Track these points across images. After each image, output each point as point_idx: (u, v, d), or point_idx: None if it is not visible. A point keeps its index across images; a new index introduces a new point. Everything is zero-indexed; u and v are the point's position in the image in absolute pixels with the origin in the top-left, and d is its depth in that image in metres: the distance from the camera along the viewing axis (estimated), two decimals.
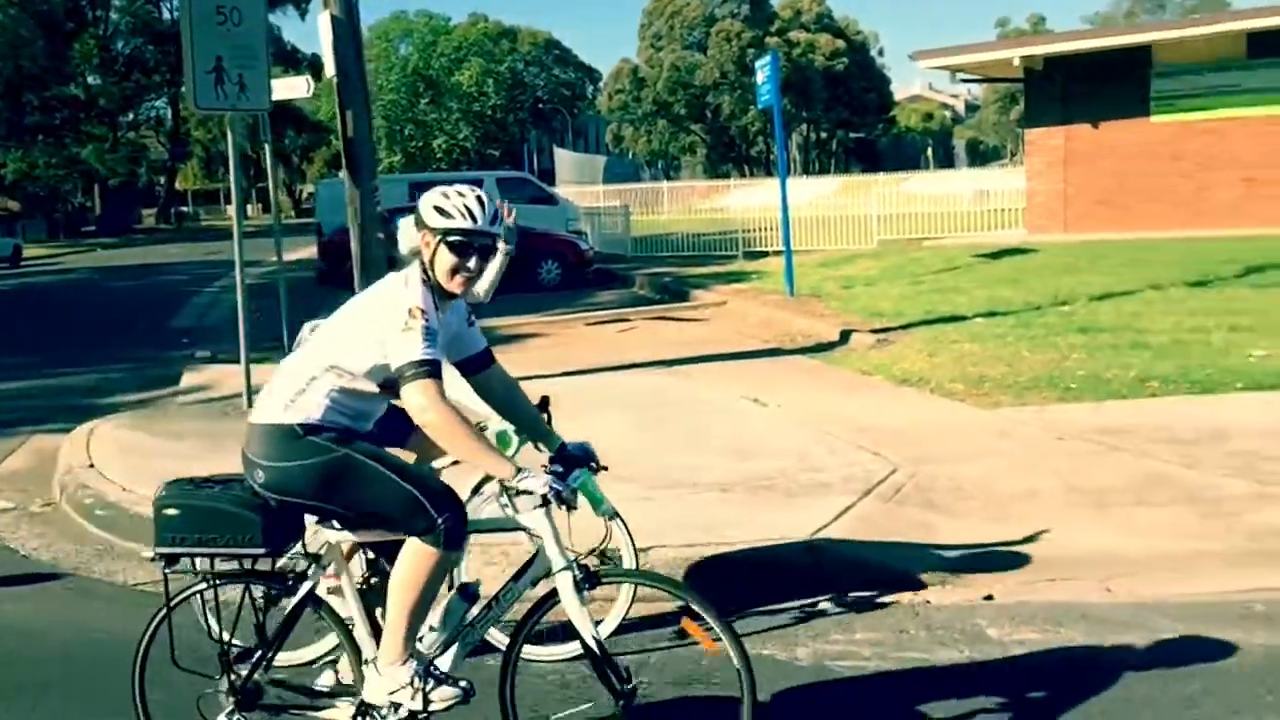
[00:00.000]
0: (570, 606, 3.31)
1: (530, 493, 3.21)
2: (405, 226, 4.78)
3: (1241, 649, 4.36)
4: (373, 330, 3.27)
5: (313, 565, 3.47)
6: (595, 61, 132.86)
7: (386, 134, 50.30)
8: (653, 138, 77.60)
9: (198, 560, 3.40)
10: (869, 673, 4.33)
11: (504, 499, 3.55)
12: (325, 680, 3.61)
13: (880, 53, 79.39)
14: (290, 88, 13.02)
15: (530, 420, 3.72)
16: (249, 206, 65.45)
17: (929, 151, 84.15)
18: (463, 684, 3.35)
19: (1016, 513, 5.95)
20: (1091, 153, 20.18)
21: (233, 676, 3.43)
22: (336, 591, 3.52)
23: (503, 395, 3.68)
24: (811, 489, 6.30)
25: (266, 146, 11.59)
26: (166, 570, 3.40)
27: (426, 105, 51.41)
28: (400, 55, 52.56)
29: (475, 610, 3.48)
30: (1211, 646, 4.40)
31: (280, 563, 3.59)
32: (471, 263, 3.32)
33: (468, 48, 53.81)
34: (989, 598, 5.05)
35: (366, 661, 3.39)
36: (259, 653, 3.44)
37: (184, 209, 68.76)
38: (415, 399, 3.15)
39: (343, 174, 9.80)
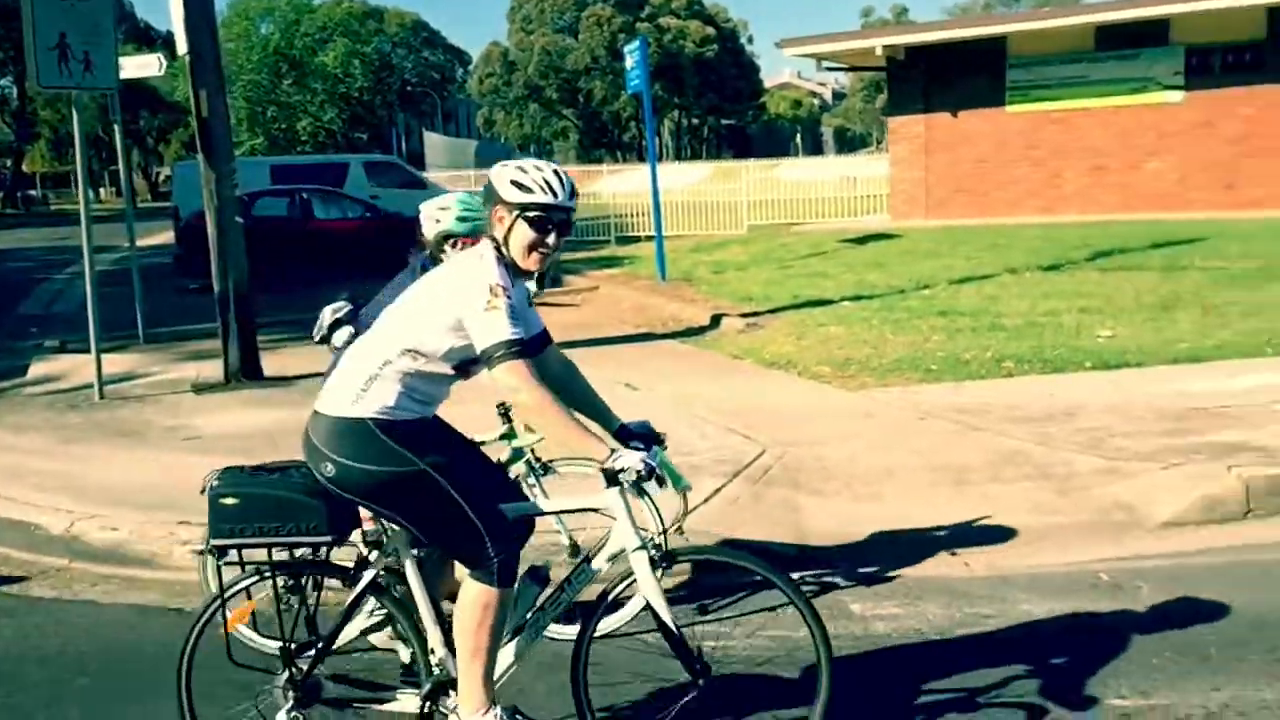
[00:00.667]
0: (646, 586, 3.25)
1: (625, 470, 3.10)
2: (429, 210, 4.64)
3: (1090, 617, 4.54)
4: (451, 310, 3.15)
5: (374, 552, 3.37)
6: (465, 44, 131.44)
7: (248, 115, 48.74)
8: (524, 122, 77.15)
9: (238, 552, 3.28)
10: (736, 655, 4.37)
11: (530, 479, 3.35)
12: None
13: (750, 40, 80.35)
14: (141, 66, 12.53)
15: (588, 400, 3.56)
16: (102, 190, 62.81)
17: (798, 138, 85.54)
18: None
19: (880, 491, 6.09)
20: (951, 141, 20.79)
21: (294, 671, 3.32)
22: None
23: (561, 375, 3.53)
24: (682, 472, 6.32)
25: (117, 127, 11.12)
26: (220, 563, 3.29)
27: (290, 86, 49.99)
28: (261, 34, 50.96)
29: (546, 594, 3.40)
30: (1063, 616, 4.58)
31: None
32: (550, 239, 3.21)
33: (332, 27, 52.50)
34: (853, 574, 5.16)
35: (431, 650, 3.31)
36: (318, 646, 3.34)
37: (32, 192, 65.61)
38: (507, 379, 3.06)
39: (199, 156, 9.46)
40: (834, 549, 5.43)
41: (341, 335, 4.52)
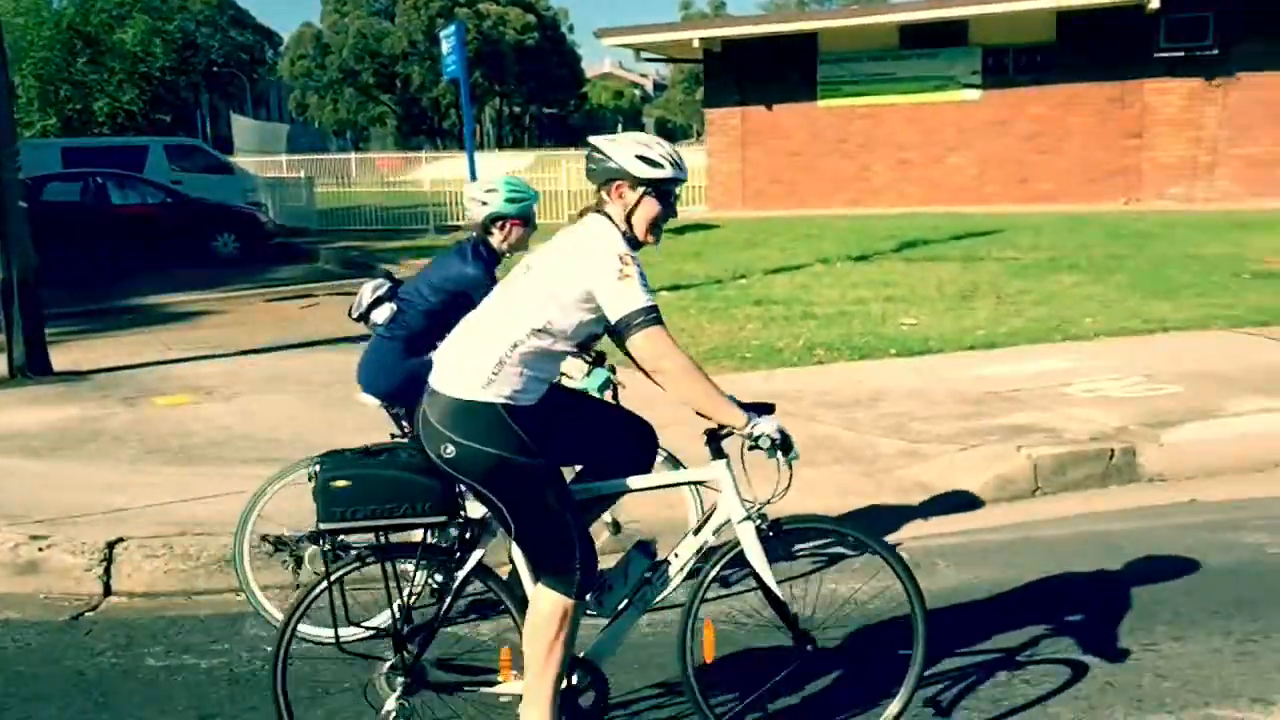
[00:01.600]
0: (753, 556, 3.25)
1: (764, 435, 3.10)
2: (474, 193, 4.59)
3: (896, 592, 4.70)
4: (580, 283, 3.09)
5: (482, 533, 3.30)
6: (275, 25, 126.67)
7: (39, 95, 45.81)
8: (340, 107, 75.01)
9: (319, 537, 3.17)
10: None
11: None
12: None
13: (571, 30, 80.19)
14: None
15: None
16: None
17: (620, 128, 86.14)
18: None
19: None
20: (766, 133, 21.28)
21: (404, 656, 3.22)
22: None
23: None
24: None
25: None
26: (326, 549, 3.18)
27: (85, 65, 47.15)
28: (53, 9, 47.97)
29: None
30: (867, 596, 4.72)
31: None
32: (669, 212, 3.22)
33: (131, 3, 49.83)
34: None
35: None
36: (426, 630, 3.25)
37: None
38: (650, 346, 3.05)
39: None
40: (629, 541, 5.45)
41: (383, 313, 4.50)
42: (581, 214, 3.27)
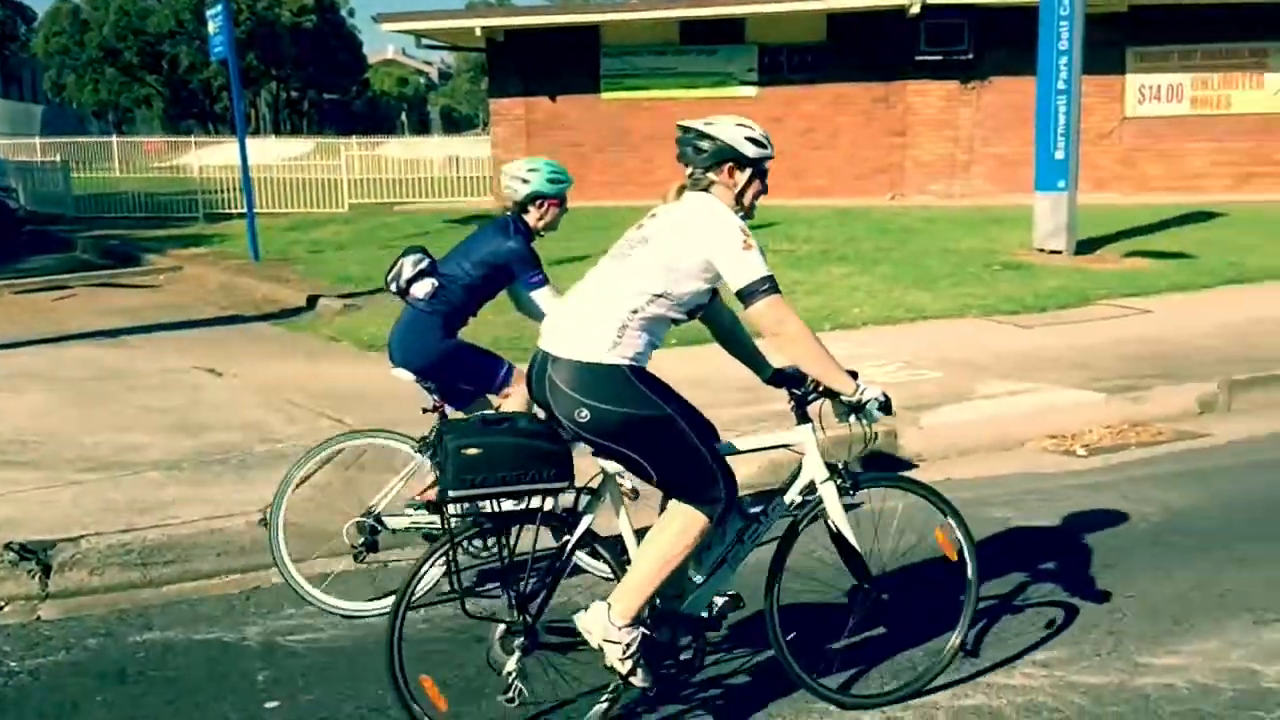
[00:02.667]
0: (835, 513, 3.53)
1: (871, 400, 3.38)
2: (516, 171, 4.74)
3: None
4: (700, 254, 3.30)
5: (590, 500, 3.44)
6: None
7: None
8: (100, 87, 70.46)
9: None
10: (323, 645, 4.22)
11: None
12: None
13: (351, 13, 77.85)
14: None
15: (749, 349, 3.78)
16: None
17: (404, 117, 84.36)
18: (651, 684, 3.36)
19: None
20: (551, 125, 21.29)
21: (526, 619, 3.33)
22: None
23: (729, 325, 3.74)
24: (269, 461, 6.04)
25: None
26: (453, 517, 3.32)
27: None
28: None
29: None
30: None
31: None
32: (765, 189, 3.51)
33: None
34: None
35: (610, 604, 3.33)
36: (544, 593, 3.36)
37: None
38: (772, 312, 3.26)
39: None
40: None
41: (424, 287, 4.59)
42: (679, 192, 3.48)
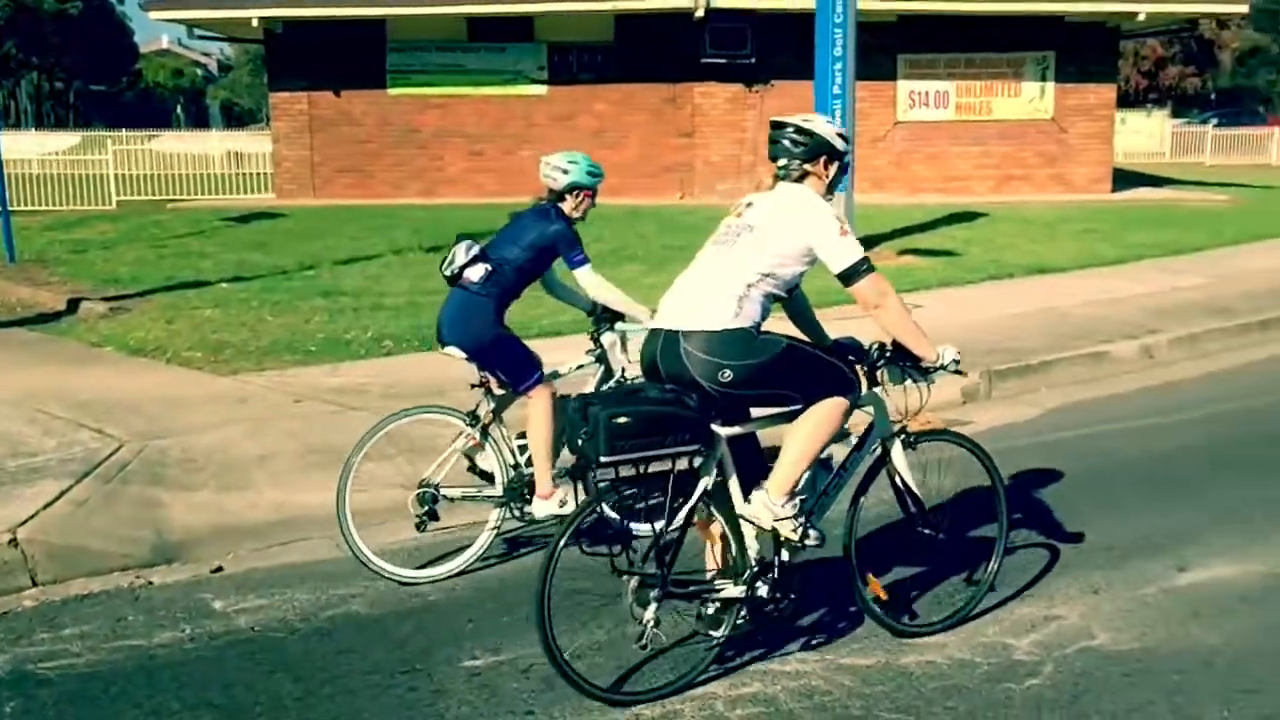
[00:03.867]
0: (900, 464, 4.07)
1: (950, 363, 3.93)
2: (557, 163, 5.09)
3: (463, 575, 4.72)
4: (803, 240, 3.74)
5: (705, 461, 3.70)
6: None
7: None
8: None
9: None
10: (79, 670, 3.95)
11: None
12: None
13: (121, 0, 73.59)
14: None
15: (816, 326, 4.24)
16: None
17: (180, 110, 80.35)
18: (821, 539, 3.89)
19: (252, 479, 5.87)
20: (336, 120, 20.67)
21: (664, 571, 3.63)
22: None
23: (804, 306, 4.20)
24: (21, 476, 5.63)
25: None
26: (600, 482, 3.57)
27: None
28: None
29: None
30: (426, 585, 4.71)
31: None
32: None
33: None
34: (218, 569, 4.92)
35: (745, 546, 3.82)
36: (674, 549, 3.67)
37: None
38: (872, 289, 3.74)
39: None
40: (197, 545, 5.13)
41: (478, 271, 4.90)
42: (774, 184, 3.90)
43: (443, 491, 4.93)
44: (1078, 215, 17.53)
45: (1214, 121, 39.34)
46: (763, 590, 3.80)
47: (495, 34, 20.27)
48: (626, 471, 3.54)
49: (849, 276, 3.72)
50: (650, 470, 3.57)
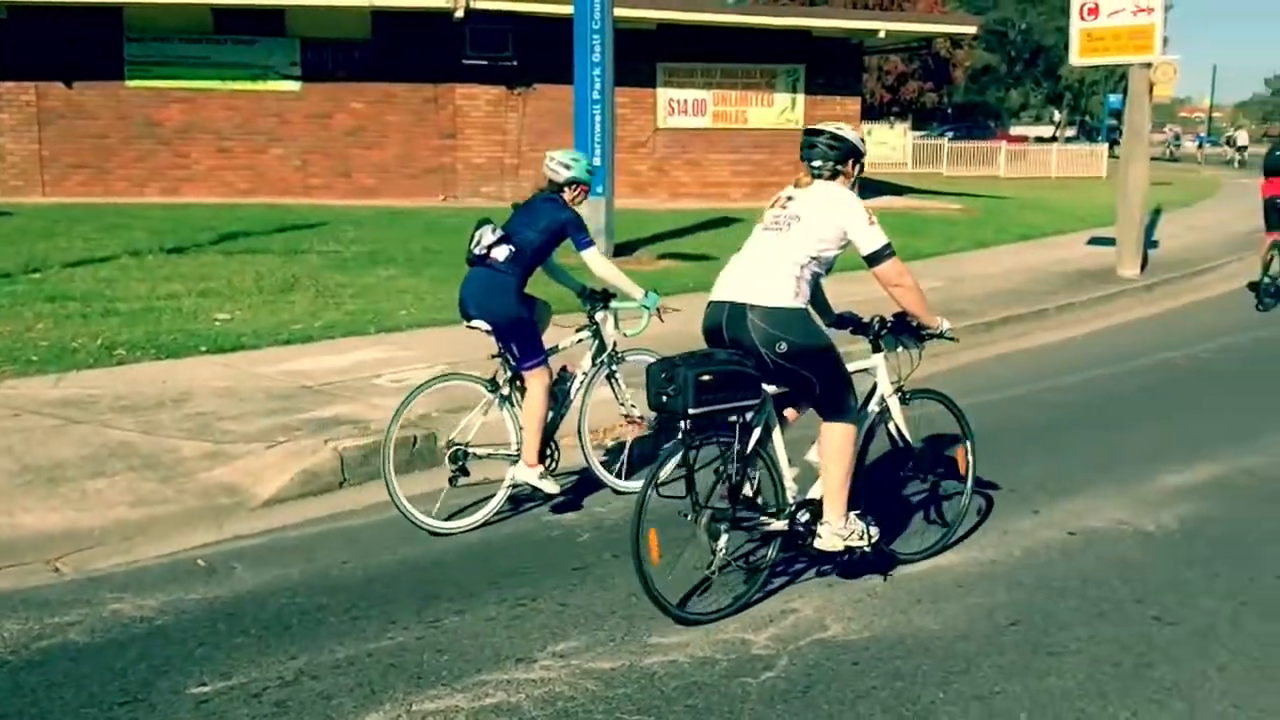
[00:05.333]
0: (898, 418, 4.87)
1: (950, 328, 4.81)
2: (562, 159, 5.72)
3: (182, 604, 4.46)
4: (839, 227, 4.41)
5: (755, 414, 4.39)
6: None
7: None
8: None
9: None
10: None
11: (614, 367, 5.94)
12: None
13: None
14: None
15: (827, 304, 4.92)
16: None
17: None
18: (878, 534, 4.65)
19: None
20: (68, 113, 19.25)
21: (734, 507, 4.34)
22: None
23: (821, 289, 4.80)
24: None
25: None
26: (690, 431, 4.21)
27: None
28: None
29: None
30: (155, 609, 4.43)
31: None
32: None
33: None
34: None
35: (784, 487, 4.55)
36: (739, 485, 4.38)
37: None
38: (894, 269, 4.47)
39: None
40: None
41: (503, 251, 5.45)
42: (810, 181, 4.55)
43: (471, 449, 5.50)
44: None
45: (949, 135, 42.13)
46: (800, 524, 4.55)
47: (243, 26, 19.39)
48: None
49: (875, 259, 4.46)
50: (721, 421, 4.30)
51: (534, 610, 4.40)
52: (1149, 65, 13.96)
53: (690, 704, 3.68)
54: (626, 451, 6.05)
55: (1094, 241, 16.84)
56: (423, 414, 6.53)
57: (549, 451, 5.61)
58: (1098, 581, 4.74)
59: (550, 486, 5.53)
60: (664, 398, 4.21)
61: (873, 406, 4.81)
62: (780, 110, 21.86)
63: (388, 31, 19.73)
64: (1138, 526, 5.43)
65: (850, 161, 4.59)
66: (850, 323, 4.90)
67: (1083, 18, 13.91)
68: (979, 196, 25.52)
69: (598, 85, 13.71)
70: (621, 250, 13.97)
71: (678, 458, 4.28)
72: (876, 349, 4.84)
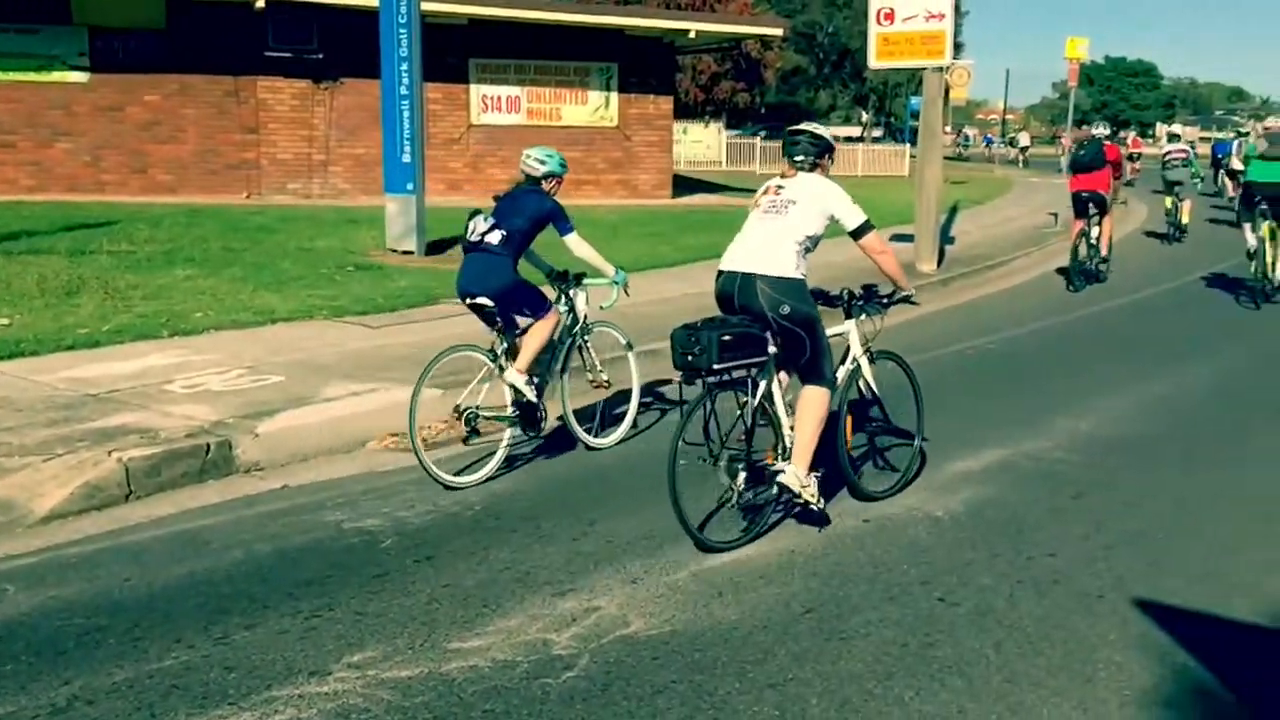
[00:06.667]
0: (867, 374, 5.78)
1: (914, 292, 5.97)
2: (537, 155, 6.51)
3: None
4: (826, 210, 5.34)
5: (759, 371, 5.19)
6: None
7: None
8: None
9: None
10: None
11: (586, 338, 6.94)
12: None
13: None
14: None
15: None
16: None
17: None
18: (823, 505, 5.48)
19: None
20: None
21: (750, 452, 5.18)
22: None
23: None
24: None
25: None
26: (711, 382, 4.97)
27: None
28: None
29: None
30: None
31: None
32: None
33: None
34: None
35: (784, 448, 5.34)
36: (752, 430, 5.21)
37: None
38: (875, 241, 5.48)
39: None
40: None
41: (495, 236, 6.18)
42: (795, 173, 5.44)
43: (480, 412, 6.16)
44: (642, 219, 18.57)
45: (762, 134, 43.19)
46: (780, 466, 5.32)
47: (25, 14, 18.22)
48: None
49: (859, 233, 5.38)
50: (735, 376, 5.05)
51: (330, 620, 4.27)
52: (942, 69, 14.63)
53: (489, 709, 3.63)
54: (602, 412, 7.10)
55: (895, 239, 17.53)
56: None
57: (538, 415, 6.42)
58: (888, 566, 4.93)
59: (530, 392, 6.34)
60: (689, 357, 4.92)
61: (845, 366, 5.67)
62: (594, 108, 21.97)
63: (184, 21, 18.88)
64: (928, 512, 5.67)
65: (826, 155, 5.50)
66: (819, 297, 5.57)
67: (879, 22, 14.47)
68: None
69: (406, 80, 13.46)
70: (435, 248, 13.78)
71: (704, 406, 5.05)
72: (848, 316, 5.75)
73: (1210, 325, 11.71)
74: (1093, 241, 14.28)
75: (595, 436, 6.89)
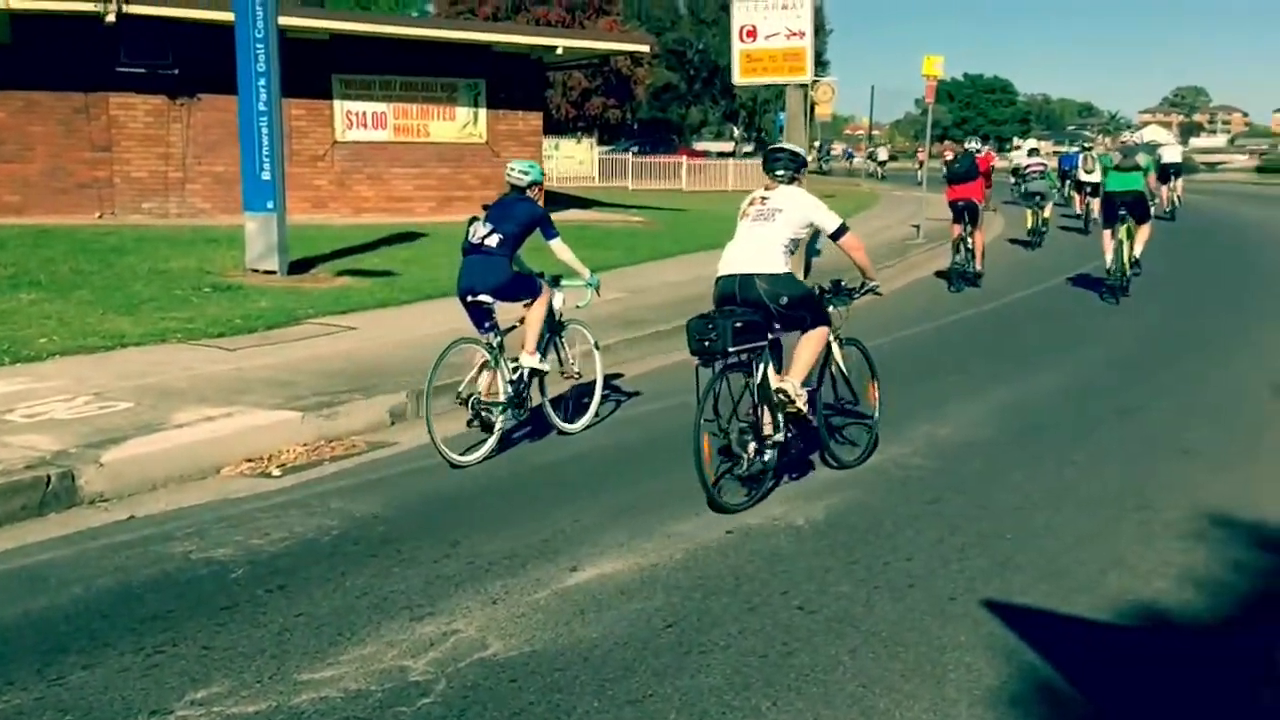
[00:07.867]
0: (838, 356, 6.74)
1: (878, 285, 6.92)
2: (521, 166, 7.44)
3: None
4: (805, 216, 6.30)
5: (756, 354, 6.11)
6: None
7: None
8: None
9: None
10: None
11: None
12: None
13: None
14: None
15: None
16: None
17: None
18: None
19: None
20: None
21: (758, 425, 6.14)
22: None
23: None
24: None
25: None
26: (724, 365, 5.92)
27: None
28: None
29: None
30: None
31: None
32: None
33: None
34: None
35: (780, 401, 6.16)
36: (758, 405, 6.17)
37: None
38: (852, 239, 6.42)
39: None
40: None
41: (494, 239, 7.10)
42: (776, 185, 6.42)
43: (480, 397, 6.96)
44: None
45: (634, 149, 43.44)
46: (789, 437, 6.28)
47: None
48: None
49: (837, 234, 6.33)
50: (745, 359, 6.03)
51: (174, 656, 4.10)
52: (804, 86, 14.92)
53: None
54: (572, 401, 7.82)
55: None
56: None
57: (524, 398, 7.22)
58: (749, 577, 4.96)
59: (544, 365, 7.34)
60: (705, 343, 5.82)
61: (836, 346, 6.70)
62: (463, 124, 21.77)
63: (30, 35, 18.04)
64: (789, 521, 5.73)
65: (801, 170, 6.49)
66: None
67: (742, 39, 14.70)
68: (661, 209, 26.43)
69: (264, 96, 13.13)
70: (298, 268, 13.45)
71: (719, 385, 5.95)
72: (829, 303, 6.64)
73: (1068, 330, 12.17)
74: (969, 246, 15.28)
75: (567, 423, 7.66)
